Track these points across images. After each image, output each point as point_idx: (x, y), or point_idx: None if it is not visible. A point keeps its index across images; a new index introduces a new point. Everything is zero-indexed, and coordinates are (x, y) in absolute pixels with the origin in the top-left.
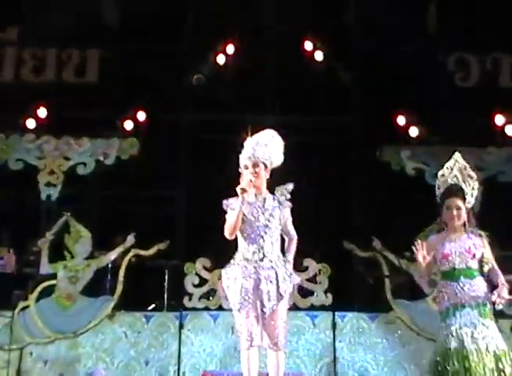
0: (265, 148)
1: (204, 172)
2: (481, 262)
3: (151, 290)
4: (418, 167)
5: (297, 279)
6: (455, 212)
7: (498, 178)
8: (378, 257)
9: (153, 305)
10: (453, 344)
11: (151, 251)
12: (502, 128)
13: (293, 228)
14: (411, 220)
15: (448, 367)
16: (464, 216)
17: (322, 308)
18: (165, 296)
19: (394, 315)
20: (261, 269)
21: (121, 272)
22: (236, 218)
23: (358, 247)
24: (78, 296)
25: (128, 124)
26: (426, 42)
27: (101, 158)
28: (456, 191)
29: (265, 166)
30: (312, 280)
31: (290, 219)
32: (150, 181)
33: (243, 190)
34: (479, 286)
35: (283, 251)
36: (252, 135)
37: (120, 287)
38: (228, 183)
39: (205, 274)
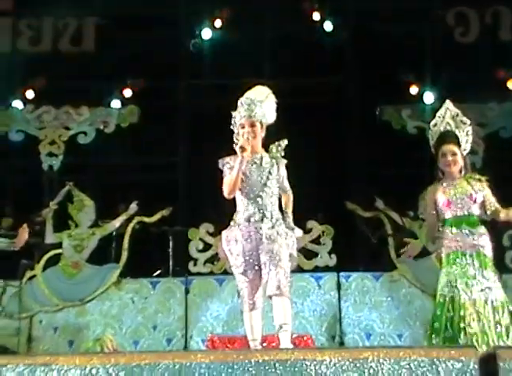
0: (261, 106)
1: (205, 138)
2: (483, 207)
3: (156, 256)
4: (419, 125)
5: (300, 232)
6: (450, 158)
7: (500, 134)
8: (381, 216)
9: (158, 272)
10: (450, 293)
11: (154, 218)
12: (504, 82)
13: (288, 184)
14: (413, 179)
15: (443, 314)
16: (460, 162)
17: (327, 269)
18: (170, 262)
19: (399, 273)
20: (262, 229)
21: (126, 240)
22: (236, 176)
23: (361, 208)
24: (84, 264)
25: (127, 92)
26: None
27: (101, 127)
28: (449, 137)
29: (261, 125)
30: (316, 241)
31: (286, 175)
32: (152, 148)
33: (243, 149)
34: (481, 235)
35: (281, 208)
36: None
37: (125, 255)
38: (230, 148)
39: (209, 239)
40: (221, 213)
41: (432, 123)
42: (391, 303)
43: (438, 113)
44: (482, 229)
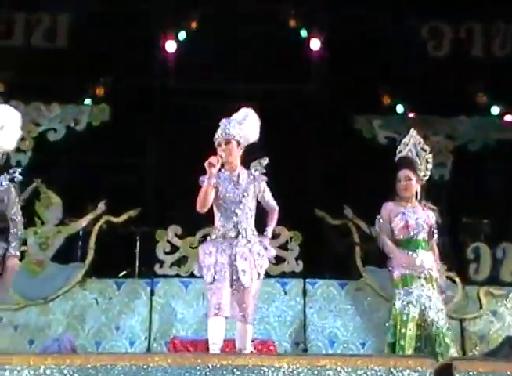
0: (238, 125)
1: (176, 139)
2: (430, 234)
3: (122, 257)
4: (390, 135)
5: (273, 251)
6: (404, 183)
7: (468, 147)
8: (349, 225)
9: (124, 272)
10: (412, 312)
11: (122, 218)
12: (473, 96)
13: (273, 199)
14: (382, 189)
15: (402, 331)
16: (415, 188)
17: (293, 275)
18: (136, 263)
19: (364, 282)
20: (236, 245)
21: (92, 239)
22: (205, 191)
23: (330, 215)
24: (49, 263)
25: (100, 91)
26: (399, 10)
27: (71, 124)
28: (407, 163)
29: (238, 143)
30: (284, 247)
31: (267, 192)
32: (122, 148)
33: (211, 165)
34: (431, 259)
35: (264, 224)
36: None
37: (91, 254)
38: (200, 150)
39: (176, 241)
40: (190, 216)
41: (398, 150)
42: (355, 311)
43: (403, 141)
44: (431, 253)
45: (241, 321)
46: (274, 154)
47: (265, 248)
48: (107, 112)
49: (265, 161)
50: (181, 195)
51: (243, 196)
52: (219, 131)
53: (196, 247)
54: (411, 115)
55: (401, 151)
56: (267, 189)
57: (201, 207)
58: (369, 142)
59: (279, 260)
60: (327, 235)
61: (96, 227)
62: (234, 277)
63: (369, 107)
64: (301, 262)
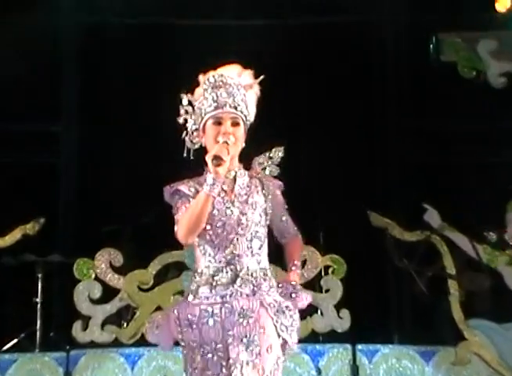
0: (245, 95)
1: (111, 92)
2: None
3: (11, 312)
4: (511, 71)
5: (308, 299)
6: None
7: None
8: (435, 241)
9: (13, 341)
10: None
11: (10, 239)
12: None
13: (291, 222)
14: (497, 173)
15: None
16: None
17: (334, 337)
18: (37, 323)
19: (469, 349)
20: (234, 297)
21: None
22: (203, 207)
23: (398, 224)
24: None
25: None
26: None
27: None
28: None
29: (245, 124)
30: (315, 285)
31: (284, 208)
32: (10, 105)
33: (219, 160)
34: None
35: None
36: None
37: None
38: (158, 109)
39: (113, 279)
40: (140, 229)
41: None
42: None
43: None
44: None
45: None
46: (300, 121)
47: (291, 296)
48: None
49: (279, 154)
50: (122, 191)
51: (245, 213)
52: (220, 98)
53: (152, 289)
54: None
55: None
56: (284, 204)
57: (188, 235)
58: (470, 85)
59: (306, 310)
60: (394, 261)
61: None
62: (233, 354)
63: (469, 20)
64: (346, 314)
